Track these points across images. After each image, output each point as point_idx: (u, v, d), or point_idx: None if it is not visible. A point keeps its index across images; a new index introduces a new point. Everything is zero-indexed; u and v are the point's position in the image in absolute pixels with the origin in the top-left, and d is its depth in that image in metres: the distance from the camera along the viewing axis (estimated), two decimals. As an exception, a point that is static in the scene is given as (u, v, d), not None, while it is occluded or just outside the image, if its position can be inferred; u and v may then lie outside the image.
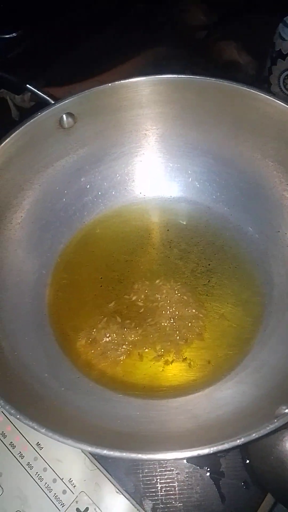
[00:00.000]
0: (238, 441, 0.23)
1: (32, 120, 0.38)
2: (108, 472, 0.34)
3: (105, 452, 0.24)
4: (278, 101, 0.36)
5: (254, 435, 0.23)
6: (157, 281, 0.42)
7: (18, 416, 0.25)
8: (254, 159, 0.41)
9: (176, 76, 0.39)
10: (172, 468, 0.34)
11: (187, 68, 0.63)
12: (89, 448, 0.24)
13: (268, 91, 0.56)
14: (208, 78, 0.38)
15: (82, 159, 0.44)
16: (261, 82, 0.58)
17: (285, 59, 0.51)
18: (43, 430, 0.25)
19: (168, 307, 0.41)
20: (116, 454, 0.24)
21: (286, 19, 0.52)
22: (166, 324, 0.40)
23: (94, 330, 0.40)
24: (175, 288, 0.41)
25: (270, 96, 0.37)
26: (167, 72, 0.41)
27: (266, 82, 0.56)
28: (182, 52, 0.67)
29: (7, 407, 0.26)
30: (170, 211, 0.46)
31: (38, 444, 0.36)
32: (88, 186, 0.45)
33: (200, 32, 0.68)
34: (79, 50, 0.61)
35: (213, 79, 0.38)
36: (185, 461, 0.35)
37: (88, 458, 0.35)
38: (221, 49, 0.66)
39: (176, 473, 0.34)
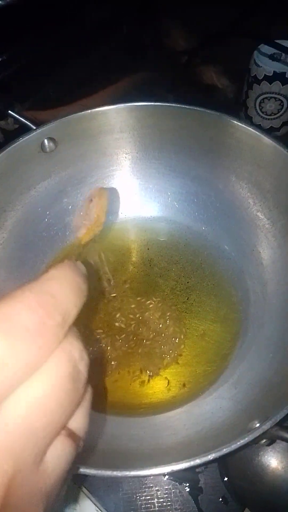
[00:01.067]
0: (209, 456, 0.24)
1: (14, 145, 0.39)
2: (88, 491, 0.35)
3: (80, 470, 0.24)
4: (249, 128, 0.38)
5: (224, 450, 0.24)
6: (138, 299, 0.43)
7: None
8: (229, 181, 0.43)
9: (153, 103, 0.40)
10: (152, 485, 0.35)
11: (169, 91, 0.66)
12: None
13: (245, 114, 0.58)
14: (183, 105, 0.39)
15: (64, 181, 0.45)
16: (239, 105, 0.61)
17: (260, 84, 0.54)
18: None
19: (148, 325, 0.42)
20: (92, 472, 0.24)
21: (260, 47, 0.55)
22: (146, 342, 0.40)
23: (76, 348, 0.40)
24: (155, 306, 0.42)
25: (241, 123, 0.38)
26: (151, 99, 0.42)
27: (244, 105, 0.59)
28: (164, 76, 0.69)
29: None
30: (150, 230, 0.47)
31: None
32: (70, 207, 0.46)
33: (181, 56, 0.71)
34: (63, 74, 0.62)
35: (188, 106, 0.39)
36: (164, 477, 0.35)
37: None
38: (201, 73, 0.69)
39: (156, 490, 0.35)
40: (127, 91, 0.65)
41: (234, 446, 0.25)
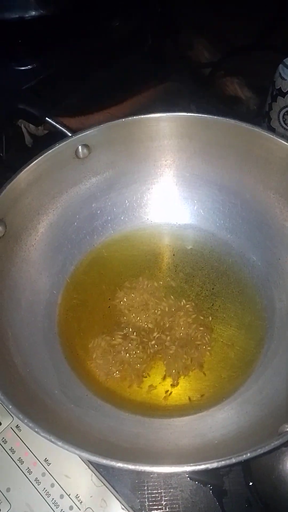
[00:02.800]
0: (244, 455, 0.25)
1: (50, 151, 0.40)
2: (114, 489, 0.35)
3: (119, 465, 0.25)
4: (280, 140, 0.39)
5: (259, 450, 0.25)
6: (163, 304, 0.44)
7: (36, 430, 0.27)
8: (256, 191, 0.44)
9: (185, 114, 0.42)
10: (176, 485, 0.35)
11: (192, 101, 0.67)
12: (104, 461, 0.25)
13: (268, 126, 0.59)
14: (214, 116, 0.41)
15: (94, 186, 0.46)
16: (262, 117, 0.61)
17: (285, 96, 0.55)
18: (59, 443, 0.26)
19: (174, 329, 0.42)
20: (130, 466, 0.25)
21: (285, 61, 0.56)
22: (172, 346, 0.41)
23: (102, 350, 0.41)
24: (181, 311, 0.43)
25: (272, 135, 0.39)
26: (175, 108, 0.44)
27: (267, 117, 0.60)
28: (188, 87, 0.71)
29: (25, 421, 0.27)
30: (176, 237, 0.49)
31: (46, 460, 0.37)
32: (99, 212, 0.48)
33: (205, 68, 0.72)
34: (90, 83, 0.64)
35: (220, 117, 0.41)
36: (188, 479, 0.36)
37: (95, 474, 0.36)
38: (225, 85, 0.70)
39: (180, 490, 0.35)
40: (151, 100, 0.66)
41: (267, 447, 0.25)
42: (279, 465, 0.34)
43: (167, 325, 0.42)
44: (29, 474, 0.37)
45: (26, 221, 0.42)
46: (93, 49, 0.65)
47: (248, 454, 0.25)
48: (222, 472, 0.36)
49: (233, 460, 0.25)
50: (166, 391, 0.39)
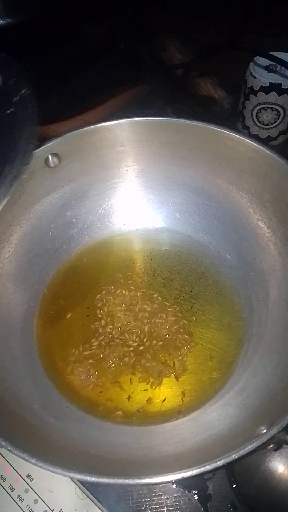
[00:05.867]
0: (218, 462, 0.25)
1: (19, 161, 0.40)
2: (99, 501, 0.35)
3: (93, 479, 0.25)
4: (249, 140, 0.39)
5: (234, 455, 0.25)
6: (142, 309, 0.44)
7: (8, 448, 0.26)
8: (229, 192, 0.44)
9: (153, 118, 0.41)
10: (161, 493, 0.35)
11: (167, 103, 0.67)
12: (78, 476, 0.25)
13: (243, 124, 0.60)
14: (182, 120, 0.41)
15: (67, 194, 0.46)
16: (236, 116, 0.62)
17: (257, 95, 0.55)
18: (33, 461, 0.26)
19: (153, 335, 0.42)
20: (104, 480, 0.25)
21: (256, 59, 0.56)
22: (152, 351, 0.41)
23: (82, 360, 0.41)
24: (160, 315, 0.43)
25: (241, 136, 0.40)
26: (146, 112, 0.44)
27: (241, 115, 0.60)
28: (162, 88, 0.71)
29: (-2, 439, 0.27)
30: (153, 241, 0.48)
31: (28, 475, 0.37)
32: (74, 220, 0.47)
33: (178, 69, 0.72)
34: (63, 90, 0.64)
35: (188, 121, 0.41)
36: (173, 485, 0.36)
37: (79, 487, 0.36)
38: (198, 85, 0.70)
39: (165, 498, 0.35)
40: (126, 104, 0.66)
41: (242, 452, 0.25)
42: (261, 466, 0.34)
43: (146, 331, 0.42)
44: (12, 491, 0.36)
45: (-1, 233, 0.42)
46: (65, 56, 0.64)
47: (222, 460, 0.25)
48: (206, 476, 0.36)
49: (208, 468, 0.24)
50: (148, 398, 0.39)
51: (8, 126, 0.34)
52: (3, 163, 0.32)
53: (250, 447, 0.25)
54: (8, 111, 0.35)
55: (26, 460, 0.26)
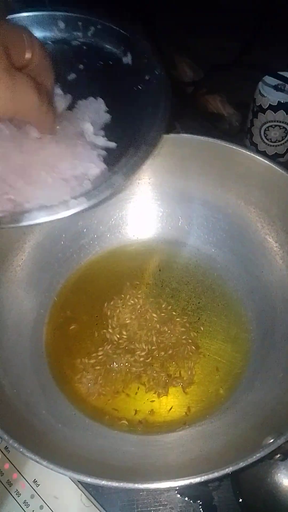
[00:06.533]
0: (226, 469, 0.25)
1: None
2: (104, 508, 0.35)
3: (103, 482, 0.25)
4: (257, 157, 0.40)
5: (241, 463, 0.25)
6: (150, 319, 0.44)
7: (21, 450, 0.27)
8: (238, 206, 0.45)
9: (166, 134, 0.43)
10: (166, 503, 0.35)
11: (177, 119, 0.69)
12: (89, 479, 0.26)
13: (251, 141, 0.61)
14: (195, 135, 0.42)
15: (80, 205, 0.47)
16: (245, 133, 0.63)
17: (265, 113, 0.56)
18: (44, 463, 0.26)
19: (161, 345, 0.43)
20: (114, 484, 0.25)
21: (264, 78, 0.58)
22: (159, 361, 0.42)
23: (90, 368, 0.41)
24: (168, 326, 0.44)
25: (251, 152, 0.41)
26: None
27: (249, 132, 0.61)
28: (172, 105, 0.72)
29: (10, 441, 0.27)
30: (161, 252, 0.49)
31: (35, 481, 0.37)
32: (85, 230, 0.48)
33: (188, 87, 0.74)
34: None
35: (199, 136, 0.42)
36: (178, 495, 0.36)
37: (84, 494, 0.36)
38: (207, 102, 0.72)
39: (170, 508, 0.35)
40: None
41: (250, 460, 0.26)
42: (267, 478, 0.34)
43: (154, 341, 0.43)
44: (18, 496, 0.36)
45: (12, 241, 0.43)
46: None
47: (230, 468, 0.25)
48: (212, 487, 0.36)
49: (216, 474, 0.25)
50: (151, 409, 0.39)
51: (140, 105, 0.34)
52: (129, 144, 0.31)
53: (257, 455, 0.26)
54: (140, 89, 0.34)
55: (37, 462, 0.26)
